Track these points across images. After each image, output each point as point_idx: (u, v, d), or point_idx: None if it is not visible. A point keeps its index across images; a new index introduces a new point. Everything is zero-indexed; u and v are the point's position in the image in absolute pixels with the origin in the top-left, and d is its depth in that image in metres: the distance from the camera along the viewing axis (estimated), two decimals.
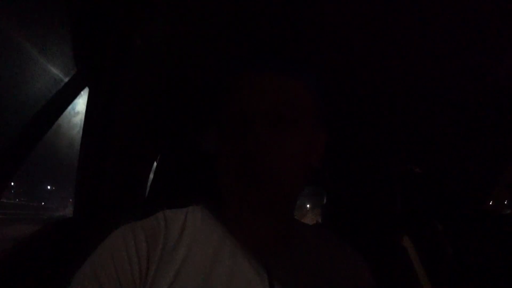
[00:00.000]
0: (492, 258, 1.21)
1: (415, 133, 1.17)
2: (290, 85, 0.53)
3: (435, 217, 1.42)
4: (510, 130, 1.05)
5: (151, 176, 1.24)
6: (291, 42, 0.70)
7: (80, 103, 0.87)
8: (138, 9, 0.69)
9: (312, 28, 0.67)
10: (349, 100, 1.00)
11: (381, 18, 0.65)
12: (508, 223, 1.27)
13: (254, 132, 0.49)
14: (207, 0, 0.63)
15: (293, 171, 0.51)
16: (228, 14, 0.65)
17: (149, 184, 1.22)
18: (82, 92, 0.80)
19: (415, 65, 0.81)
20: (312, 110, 0.55)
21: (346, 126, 1.15)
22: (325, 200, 1.71)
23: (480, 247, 1.26)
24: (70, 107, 0.75)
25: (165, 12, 0.69)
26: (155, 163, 1.25)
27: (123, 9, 0.69)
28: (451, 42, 0.72)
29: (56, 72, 0.73)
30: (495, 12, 0.62)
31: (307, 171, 0.56)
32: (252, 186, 0.49)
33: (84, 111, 0.82)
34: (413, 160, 1.40)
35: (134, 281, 0.45)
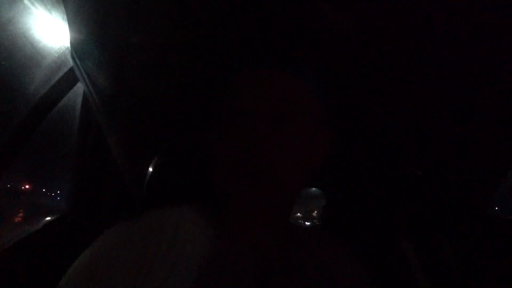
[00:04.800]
0: (491, 262, 1.21)
1: (416, 135, 1.16)
2: (289, 82, 0.52)
3: (435, 221, 1.41)
4: None
5: (149, 174, 1.23)
6: (292, 39, 0.69)
7: (77, 98, 0.86)
8: (137, 4, 0.68)
9: (313, 25, 0.66)
10: (349, 102, 1.00)
11: (382, 17, 0.64)
12: (509, 228, 1.27)
13: (253, 130, 0.48)
14: None
15: (292, 170, 0.50)
16: (228, 11, 0.64)
17: (146, 182, 1.22)
18: (78, 87, 0.79)
19: (416, 67, 0.80)
20: (313, 109, 0.54)
21: (346, 127, 1.14)
22: (324, 202, 1.70)
23: (480, 251, 1.25)
24: (64, 102, 0.74)
25: (164, 8, 0.68)
26: (152, 161, 1.24)
27: (122, 3, 0.68)
28: (453, 44, 0.71)
29: (52, 65, 0.72)
30: (497, 13, 0.62)
31: (307, 172, 0.54)
32: (250, 184, 0.48)
33: (79, 106, 0.81)
34: (413, 163, 1.40)
35: (126, 280, 0.45)
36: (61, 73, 0.72)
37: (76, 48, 0.71)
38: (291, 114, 0.50)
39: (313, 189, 1.83)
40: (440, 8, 0.62)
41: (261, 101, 0.49)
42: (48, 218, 0.96)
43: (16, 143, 0.65)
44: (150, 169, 1.22)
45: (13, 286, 0.64)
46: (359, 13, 0.63)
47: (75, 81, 0.75)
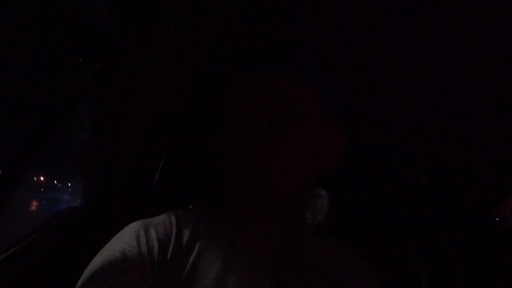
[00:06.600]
0: (497, 269, 1.20)
1: (424, 141, 1.16)
2: (291, 84, 0.50)
3: (442, 227, 1.40)
4: None
5: (157, 175, 1.25)
6: (297, 39, 0.68)
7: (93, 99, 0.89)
8: (155, 6, 0.69)
9: (319, 25, 0.64)
10: (356, 106, 1.00)
11: (391, 18, 0.63)
12: None
13: (252, 133, 0.47)
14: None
15: (296, 172, 0.49)
16: (237, 12, 0.64)
17: (155, 181, 1.24)
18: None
19: (424, 72, 0.80)
20: (319, 110, 0.52)
21: (353, 132, 1.14)
22: (329, 206, 1.70)
23: (487, 258, 1.24)
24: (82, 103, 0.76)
25: (178, 11, 0.69)
26: (162, 161, 1.26)
27: (140, 6, 0.69)
28: (461, 50, 0.71)
29: (71, 67, 0.74)
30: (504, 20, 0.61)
31: (317, 173, 0.53)
32: (250, 187, 0.47)
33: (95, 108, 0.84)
34: (421, 168, 1.39)
35: (145, 280, 0.45)
36: (84, 75, 0.74)
37: (97, 48, 0.74)
38: (291, 114, 0.49)
39: None
40: (448, 12, 0.61)
41: (258, 103, 0.48)
42: (60, 211, 0.99)
43: (42, 140, 0.67)
44: (159, 171, 1.24)
45: (24, 281, 0.65)
46: (367, 10, 0.62)
47: (95, 82, 0.78)
